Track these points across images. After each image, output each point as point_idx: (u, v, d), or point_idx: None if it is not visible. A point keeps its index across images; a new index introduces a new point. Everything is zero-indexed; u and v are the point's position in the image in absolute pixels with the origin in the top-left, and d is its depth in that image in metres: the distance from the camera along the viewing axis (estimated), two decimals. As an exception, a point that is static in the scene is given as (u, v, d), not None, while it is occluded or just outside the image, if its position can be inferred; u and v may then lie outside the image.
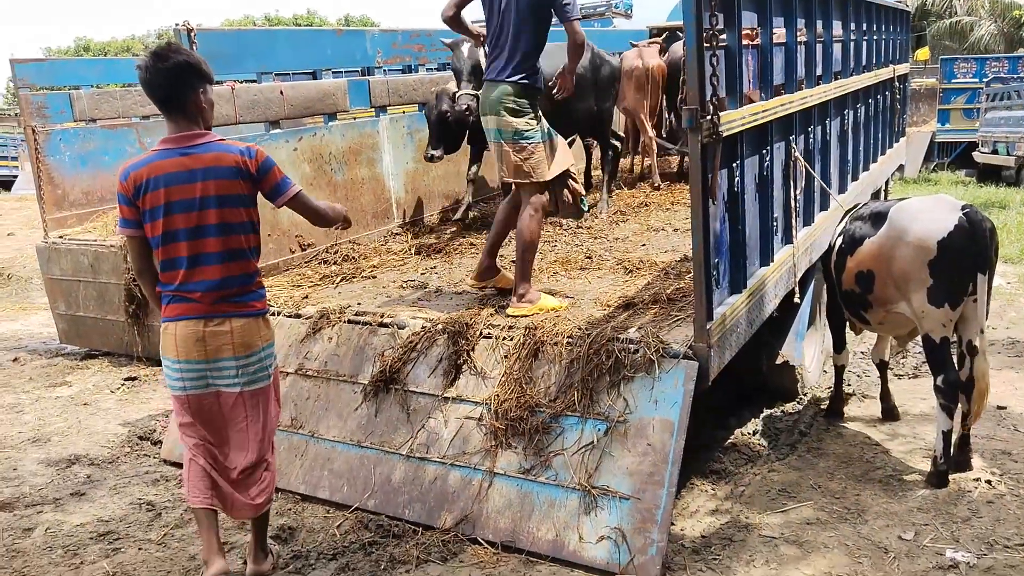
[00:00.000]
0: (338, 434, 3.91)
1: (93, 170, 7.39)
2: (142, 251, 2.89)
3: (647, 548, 3.06)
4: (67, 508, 3.81)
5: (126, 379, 5.85)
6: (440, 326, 3.97)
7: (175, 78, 2.75)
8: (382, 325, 4.17)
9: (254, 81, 5.93)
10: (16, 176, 21.77)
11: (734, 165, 3.71)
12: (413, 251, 5.72)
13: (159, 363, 6.10)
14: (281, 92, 5.34)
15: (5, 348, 7.05)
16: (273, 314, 4.51)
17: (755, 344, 4.18)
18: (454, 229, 6.35)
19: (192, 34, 4.60)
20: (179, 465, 4.21)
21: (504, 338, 3.82)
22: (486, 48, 4.32)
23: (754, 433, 4.43)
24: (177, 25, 4.63)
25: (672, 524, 3.27)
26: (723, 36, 3.46)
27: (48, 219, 6.96)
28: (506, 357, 3.74)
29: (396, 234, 6.29)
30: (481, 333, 3.90)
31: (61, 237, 6.76)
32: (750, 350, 4.06)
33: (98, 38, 43.45)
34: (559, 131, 4.42)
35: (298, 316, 4.45)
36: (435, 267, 5.35)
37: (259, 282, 2.99)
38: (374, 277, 5.19)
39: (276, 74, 6.08)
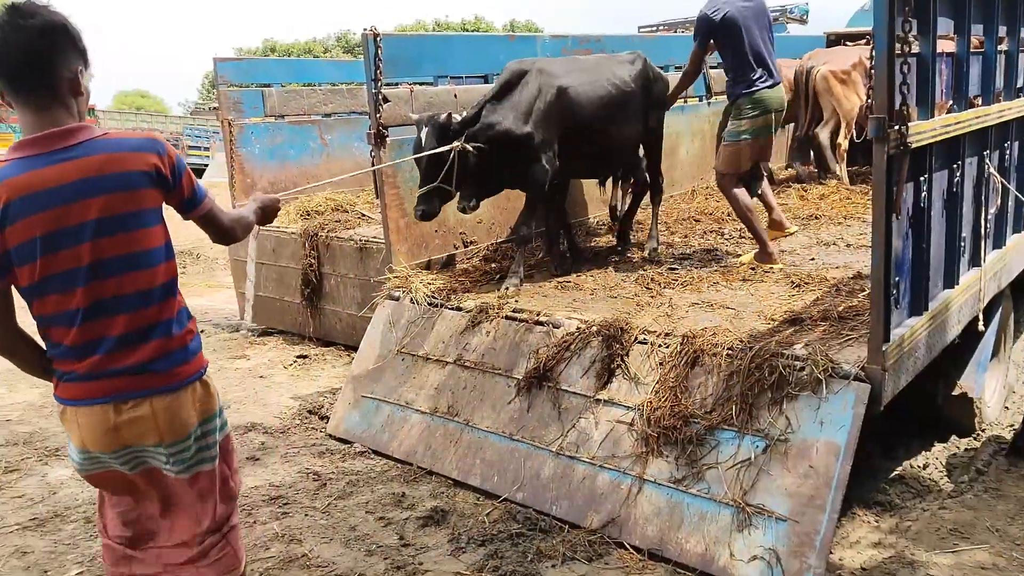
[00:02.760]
0: (491, 425, 4.03)
1: (279, 162, 8.00)
2: (4, 313, 2.03)
3: (802, 573, 2.94)
4: (243, 471, 4.15)
5: (298, 357, 6.29)
6: (595, 328, 4.00)
7: (42, 42, 1.90)
8: (538, 323, 4.26)
9: (431, 84, 6.20)
10: (207, 165, 23.88)
11: (921, 179, 3.50)
12: (569, 253, 5.78)
13: (329, 344, 6.57)
14: (455, 95, 5.56)
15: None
16: (436, 306, 4.72)
17: (931, 372, 3.91)
18: (609, 234, 6.35)
19: (378, 39, 4.88)
20: (345, 441, 4.50)
21: (660, 345, 3.80)
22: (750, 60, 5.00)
23: (924, 467, 4.14)
24: (365, 30, 4.92)
25: (830, 552, 3.13)
26: (916, 43, 3.28)
27: (237, 206, 7.59)
28: (661, 364, 3.71)
29: (554, 235, 6.36)
30: (636, 338, 3.89)
31: (248, 223, 7.34)
32: (925, 378, 3.80)
33: (283, 40, 46.87)
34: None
35: (459, 309, 4.62)
36: (591, 270, 5.38)
37: (189, 330, 2.13)
38: (532, 276, 5.28)
39: (451, 77, 6.32)
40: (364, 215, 7.24)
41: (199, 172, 24.03)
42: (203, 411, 2.13)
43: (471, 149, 4.54)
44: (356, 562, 3.21)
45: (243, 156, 7.70)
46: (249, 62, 8.13)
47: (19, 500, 3.82)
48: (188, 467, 2.12)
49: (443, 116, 4.54)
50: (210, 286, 9.74)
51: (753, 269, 5.03)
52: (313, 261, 6.65)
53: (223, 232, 2.31)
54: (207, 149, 24.47)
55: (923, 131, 3.29)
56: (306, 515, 3.63)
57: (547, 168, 4.82)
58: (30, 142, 1.92)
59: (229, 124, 7.63)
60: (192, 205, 2.16)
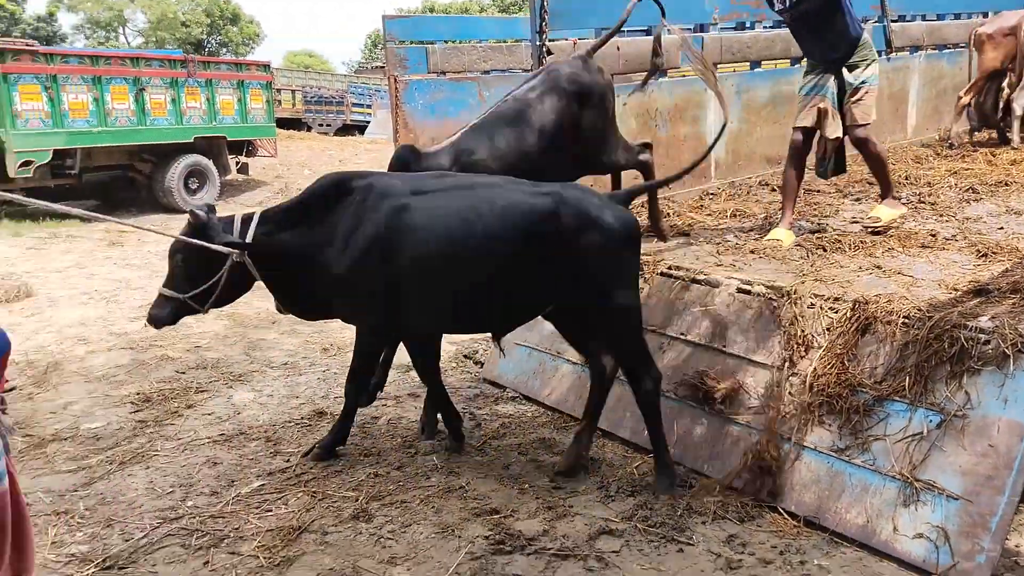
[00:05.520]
0: (643, 381, 4.03)
1: (440, 118, 8.19)
2: None
3: (974, 555, 2.77)
4: (405, 405, 4.39)
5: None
6: (756, 289, 3.89)
7: None
8: (695, 281, 4.18)
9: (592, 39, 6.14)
10: (369, 122, 24.87)
11: None
12: (729, 213, 5.61)
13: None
14: (617, 48, 5.48)
15: (356, 267, 8.21)
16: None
17: None
18: (773, 193, 6.11)
19: (545, -9, 4.88)
20: (498, 385, 4.65)
21: (829, 310, 3.64)
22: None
23: (1121, 460, 3.76)
24: (532, -17, 4.93)
25: (1006, 537, 2.93)
26: None
27: (400, 159, 7.88)
28: (828, 330, 3.56)
29: (712, 194, 6.20)
30: (802, 302, 3.74)
31: (409, 175, 7.64)
32: None
33: (441, 0, 47.78)
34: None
35: (614, 264, 4.61)
36: (751, 230, 5.21)
37: None
38: (687, 235, 5.19)
39: (614, 30, 6.21)
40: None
41: (362, 128, 25.11)
42: None
43: (250, 267, 3.40)
44: (509, 499, 3.34)
45: (407, 112, 7.94)
46: (415, 19, 8.35)
47: (208, 417, 4.24)
48: None
49: (202, 213, 3.34)
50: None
51: (893, 228, 4.76)
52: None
53: None
54: (369, 107, 25.45)
55: None
56: (463, 452, 3.80)
57: (375, 326, 3.52)
58: None
59: (395, 80, 7.89)
60: None
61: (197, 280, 3.39)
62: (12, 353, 2.10)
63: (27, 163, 9.94)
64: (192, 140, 12.21)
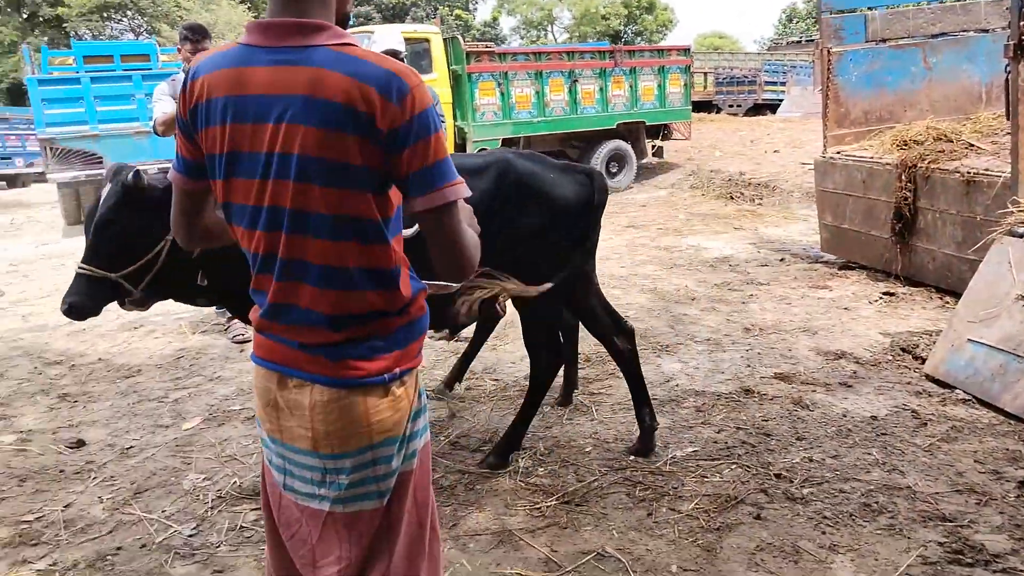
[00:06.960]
0: None
1: (875, 90, 7.60)
2: (191, 221, 1.71)
3: None
4: (836, 394, 4.21)
5: (884, 293, 6.05)
6: None
7: None
8: None
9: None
10: (781, 100, 23.96)
11: None
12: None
13: (916, 284, 6.18)
14: None
15: (773, 249, 8.05)
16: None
17: None
18: None
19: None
20: (943, 384, 4.21)
21: None
22: None
23: None
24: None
25: None
26: None
27: (828, 135, 7.49)
28: None
29: None
30: None
31: (838, 153, 7.22)
32: None
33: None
34: None
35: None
36: None
37: (386, 324, 1.56)
38: None
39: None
40: (972, 145, 6.47)
41: (772, 108, 24.22)
42: (380, 430, 1.57)
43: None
44: (966, 507, 3.02)
45: (839, 85, 7.51)
46: (853, -15, 7.77)
47: (641, 382, 4.55)
48: (343, 498, 1.59)
49: (130, 175, 2.61)
50: (786, 217, 9.93)
51: None
52: (908, 195, 6.24)
53: (455, 252, 1.52)
54: (783, 84, 24.53)
55: None
56: (905, 450, 3.53)
57: None
58: (257, 27, 1.47)
59: (827, 52, 7.50)
60: (422, 186, 1.45)
61: (135, 251, 2.65)
62: None
63: (481, 151, 11.59)
64: (615, 126, 13.04)
